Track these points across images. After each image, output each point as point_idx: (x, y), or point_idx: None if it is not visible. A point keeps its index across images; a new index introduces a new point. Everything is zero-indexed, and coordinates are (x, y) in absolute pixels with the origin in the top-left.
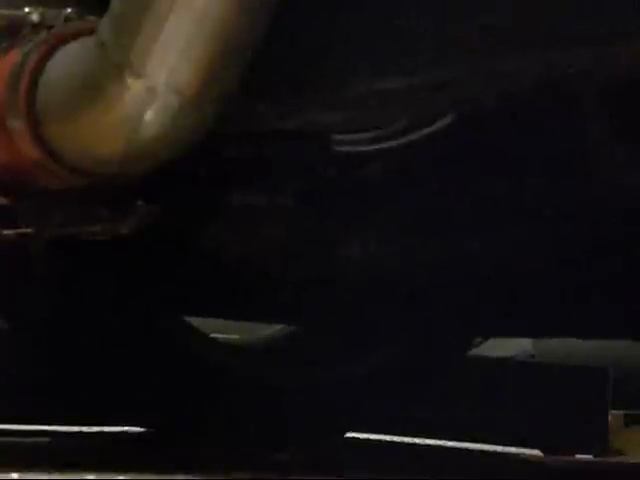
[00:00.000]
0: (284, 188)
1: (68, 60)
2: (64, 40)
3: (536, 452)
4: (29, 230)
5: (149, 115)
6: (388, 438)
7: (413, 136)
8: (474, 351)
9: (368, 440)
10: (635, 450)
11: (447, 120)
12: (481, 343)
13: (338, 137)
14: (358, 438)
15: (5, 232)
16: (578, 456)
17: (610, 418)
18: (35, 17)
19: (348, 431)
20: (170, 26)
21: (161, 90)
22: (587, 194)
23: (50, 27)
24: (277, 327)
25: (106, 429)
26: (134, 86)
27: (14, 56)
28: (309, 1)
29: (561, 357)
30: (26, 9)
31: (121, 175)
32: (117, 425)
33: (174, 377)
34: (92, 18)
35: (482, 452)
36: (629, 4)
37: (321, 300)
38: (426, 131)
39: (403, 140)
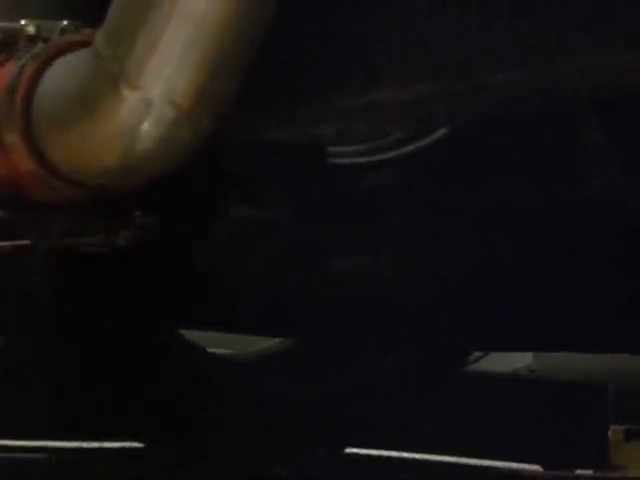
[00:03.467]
0: (279, 200)
1: (64, 72)
2: (60, 52)
3: (536, 467)
4: (26, 242)
5: (145, 127)
6: (387, 453)
7: (409, 148)
8: (475, 366)
9: (367, 455)
10: (635, 465)
11: (443, 131)
12: (482, 358)
13: (333, 149)
14: (357, 453)
15: (2, 244)
16: (578, 471)
17: (610, 433)
18: (31, 29)
19: (347, 446)
20: (166, 38)
21: (157, 102)
22: (585, 206)
23: (46, 39)
24: (274, 341)
25: (106, 445)
26: (130, 98)
27: (10, 68)
28: (304, 13)
29: (562, 372)
30: (22, 21)
31: (118, 187)
32: (116, 440)
33: (172, 392)
34: (88, 30)
35: (482, 468)
36: (621, 15)
37: (317, 314)
38: (422, 143)
39: (399, 152)
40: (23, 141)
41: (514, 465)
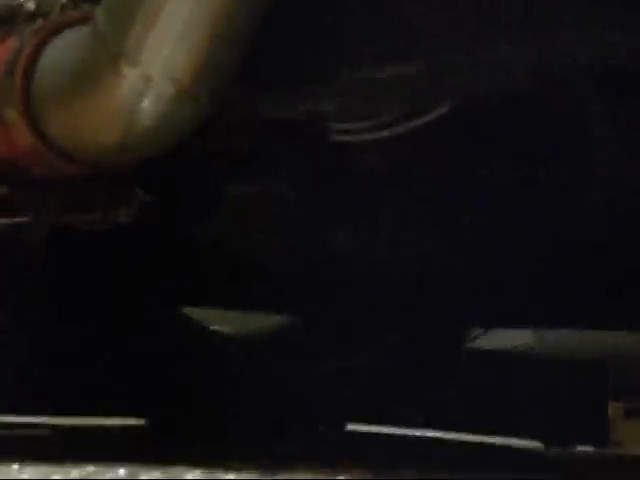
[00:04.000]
0: (279, 178)
1: (63, 49)
2: (60, 29)
3: (536, 444)
4: (27, 219)
5: (145, 103)
6: (387, 430)
7: (408, 125)
8: (475, 343)
9: (368, 432)
10: (635, 442)
11: (443, 110)
12: (481, 335)
13: (333, 126)
14: (357, 430)
15: (3, 221)
16: (578, 447)
17: (610, 410)
18: (31, 6)
19: (347, 423)
20: (166, 14)
21: (157, 78)
22: (586, 186)
23: (46, 15)
24: (274, 318)
25: (107, 421)
26: (130, 75)
27: (10, 44)
28: None
29: (561, 349)
30: None
31: (117, 164)
32: (118, 417)
33: (174, 368)
34: (88, 6)
35: (482, 444)
36: None
37: (318, 291)
38: (422, 120)
39: (398, 129)
40: (22, 117)
41: (514, 441)
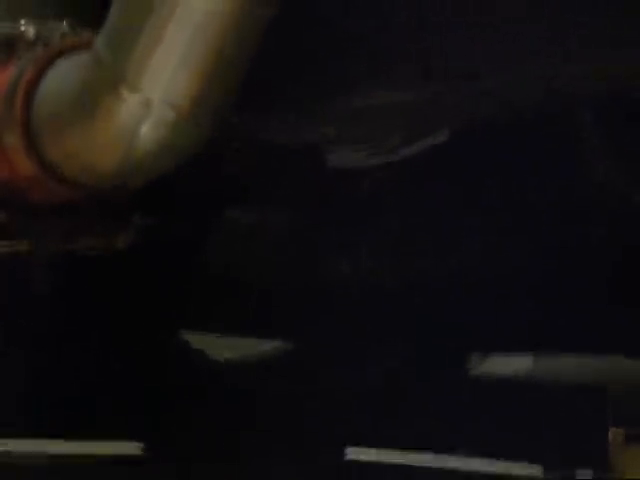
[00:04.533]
0: (278, 202)
1: (64, 75)
2: (60, 55)
3: (536, 469)
4: (26, 244)
5: (145, 129)
6: (386, 454)
7: (408, 151)
8: (474, 369)
9: (367, 457)
10: (636, 468)
11: (443, 135)
12: (481, 361)
13: (332, 152)
14: (357, 454)
15: (2, 246)
16: (578, 473)
17: (610, 436)
18: (31, 32)
19: (347, 447)
20: (166, 41)
21: (157, 104)
22: (585, 206)
23: (46, 42)
24: (273, 342)
25: (104, 448)
26: (130, 100)
27: (10, 71)
28: (303, 16)
29: (561, 375)
30: (22, 22)
31: (117, 189)
32: (115, 440)
33: (172, 393)
34: (87, 32)
35: (481, 473)
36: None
37: (318, 315)
38: (421, 146)
39: (398, 155)
40: (22, 143)
41: (513, 467)
